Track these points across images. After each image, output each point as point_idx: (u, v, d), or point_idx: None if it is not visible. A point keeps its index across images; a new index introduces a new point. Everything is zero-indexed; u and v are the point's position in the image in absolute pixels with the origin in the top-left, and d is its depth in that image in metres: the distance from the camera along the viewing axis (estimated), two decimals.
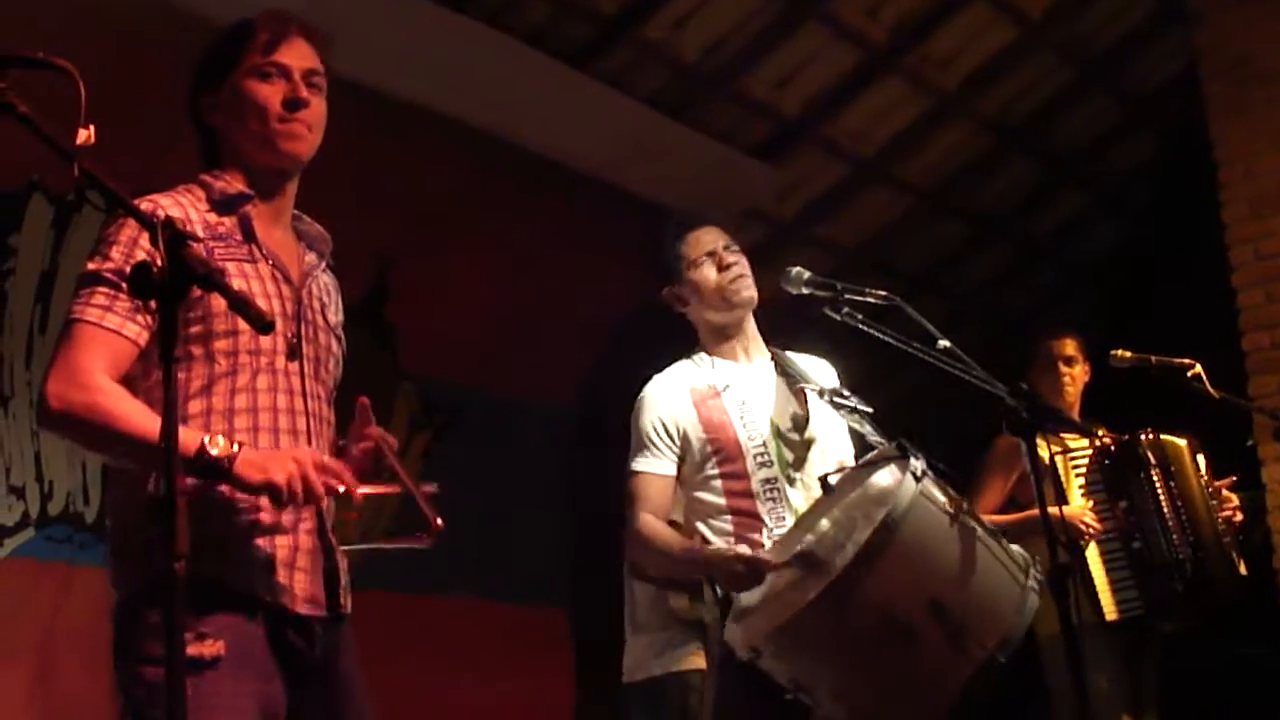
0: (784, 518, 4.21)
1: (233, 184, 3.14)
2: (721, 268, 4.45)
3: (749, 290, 4.44)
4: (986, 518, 5.42)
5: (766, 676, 3.76)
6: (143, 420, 2.75)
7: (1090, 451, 5.85)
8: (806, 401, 4.40)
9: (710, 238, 4.53)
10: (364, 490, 2.98)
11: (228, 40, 3.19)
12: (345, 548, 3.12)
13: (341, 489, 2.91)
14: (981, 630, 3.66)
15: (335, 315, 3.29)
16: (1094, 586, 5.65)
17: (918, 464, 3.75)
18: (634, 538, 4.30)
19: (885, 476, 3.96)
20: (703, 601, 5.61)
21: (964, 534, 3.75)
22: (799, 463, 4.31)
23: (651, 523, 4.27)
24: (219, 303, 2.90)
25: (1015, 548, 3.89)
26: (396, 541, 3.18)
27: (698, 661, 5.57)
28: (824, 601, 3.59)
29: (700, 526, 4.28)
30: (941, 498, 3.78)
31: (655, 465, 4.31)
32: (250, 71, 3.13)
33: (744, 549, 3.99)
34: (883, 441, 4.19)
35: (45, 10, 5.32)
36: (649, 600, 5.81)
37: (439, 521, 3.01)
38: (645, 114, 7.63)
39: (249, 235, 3.11)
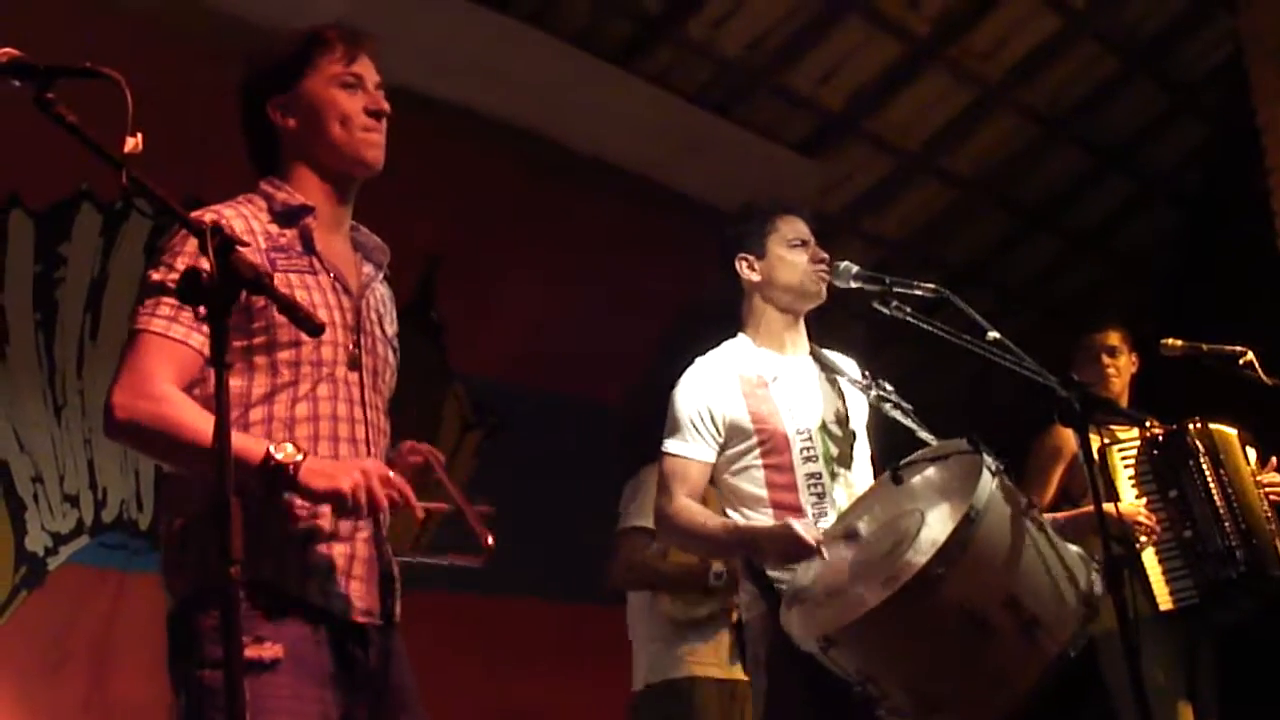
0: (826, 512, 4.17)
1: (293, 195, 3.15)
2: (814, 259, 4.42)
3: (824, 290, 4.41)
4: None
5: (826, 669, 3.75)
6: (207, 428, 2.75)
7: (1138, 443, 5.82)
8: (846, 399, 4.38)
9: (805, 228, 4.50)
10: (424, 506, 2.99)
11: (301, 46, 3.21)
12: (398, 558, 3.13)
13: (401, 504, 2.93)
14: (1054, 626, 3.65)
15: (391, 326, 3.31)
16: (1148, 577, 5.62)
17: (992, 460, 3.74)
18: (670, 519, 4.23)
19: (956, 470, 3.93)
20: (705, 597, 5.64)
21: (1032, 531, 3.75)
22: (843, 459, 4.28)
23: (688, 504, 4.21)
24: (281, 314, 2.92)
25: (1073, 546, 3.88)
26: (450, 558, 3.19)
27: (686, 669, 5.62)
28: (905, 596, 3.57)
29: (735, 515, 4.23)
30: (1013, 493, 3.77)
31: (694, 450, 4.25)
32: (333, 79, 3.17)
33: (794, 523, 3.97)
34: (931, 438, 4.18)
35: (91, 19, 5.35)
36: (641, 609, 5.86)
37: (490, 541, 3.03)
38: (689, 111, 7.64)
39: (309, 247, 3.13)
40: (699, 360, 4.40)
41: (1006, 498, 3.74)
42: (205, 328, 2.87)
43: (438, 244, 6.88)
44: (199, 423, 2.82)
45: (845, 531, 3.95)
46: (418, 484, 3.18)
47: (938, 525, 3.73)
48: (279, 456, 2.80)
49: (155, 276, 2.98)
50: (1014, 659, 3.64)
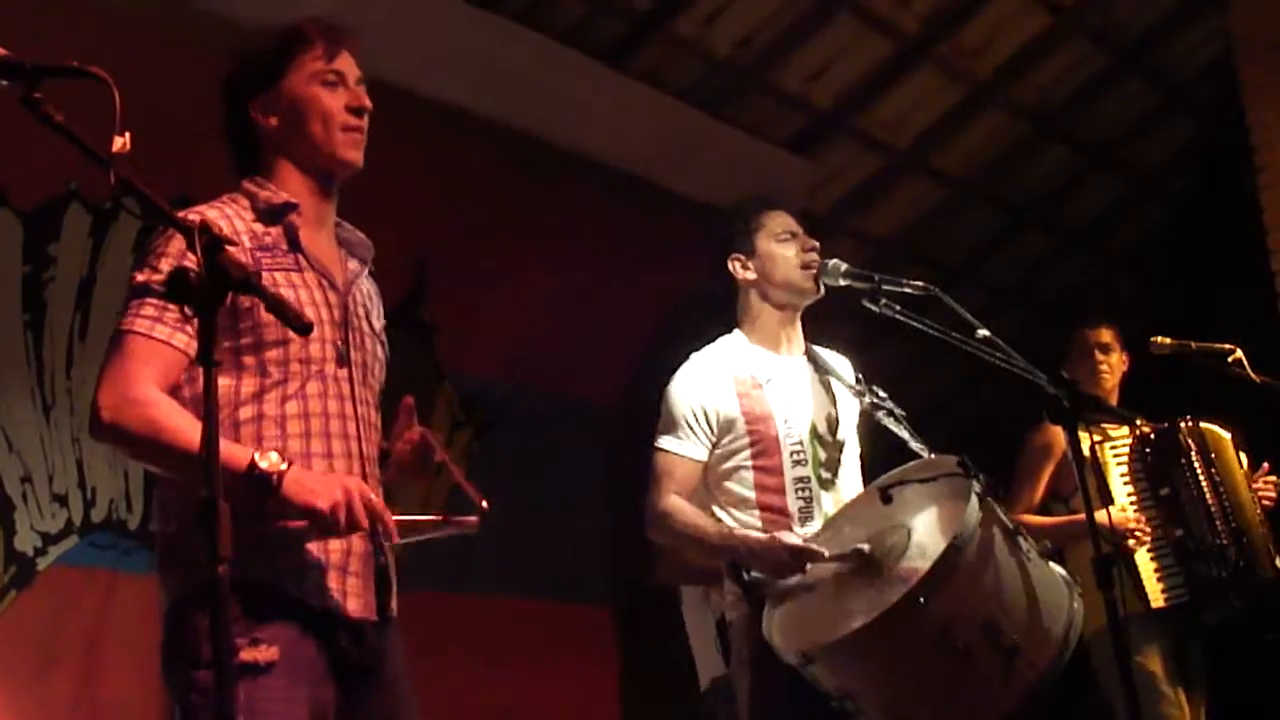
0: (813, 516, 4.18)
1: (277, 193, 3.15)
2: (805, 249, 4.40)
3: (819, 285, 4.38)
4: (1031, 518, 5.44)
5: (807, 681, 3.75)
6: (193, 434, 2.73)
7: (1130, 440, 5.82)
8: (838, 403, 4.37)
9: (792, 220, 4.49)
10: (400, 519, 3.00)
11: (279, 44, 3.21)
12: (399, 540, 3.12)
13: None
14: (1034, 653, 3.66)
15: (378, 321, 3.31)
16: (1139, 575, 5.63)
17: (980, 483, 3.74)
18: (660, 517, 4.21)
19: (944, 491, 3.92)
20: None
21: (1019, 556, 3.75)
22: (831, 465, 4.28)
23: (680, 503, 4.19)
24: (268, 314, 2.92)
25: (1058, 569, 3.88)
26: (445, 530, 3.20)
27: None
28: (888, 619, 3.59)
29: (722, 514, 4.23)
30: (1000, 518, 3.77)
31: (687, 449, 4.24)
32: (313, 77, 3.17)
33: (789, 536, 3.96)
34: (923, 448, 4.17)
35: (78, 18, 5.34)
36: (696, 604, 5.83)
37: (485, 504, 3.08)
38: (679, 109, 7.64)
39: (294, 244, 3.13)
40: (694, 356, 4.39)
41: (993, 523, 3.75)
42: (190, 328, 2.89)
43: (427, 243, 6.87)
44: (184, 427, 2.83)
45: (852, 554, 3.92)
46: (416, 463, 3.25)
47: (923, 547, 3.73)
48: (263, 465, 2.80)
49: (140, 277, 2.98)
50: (993, 684, 3.65)
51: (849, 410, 4.40)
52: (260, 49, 3.23)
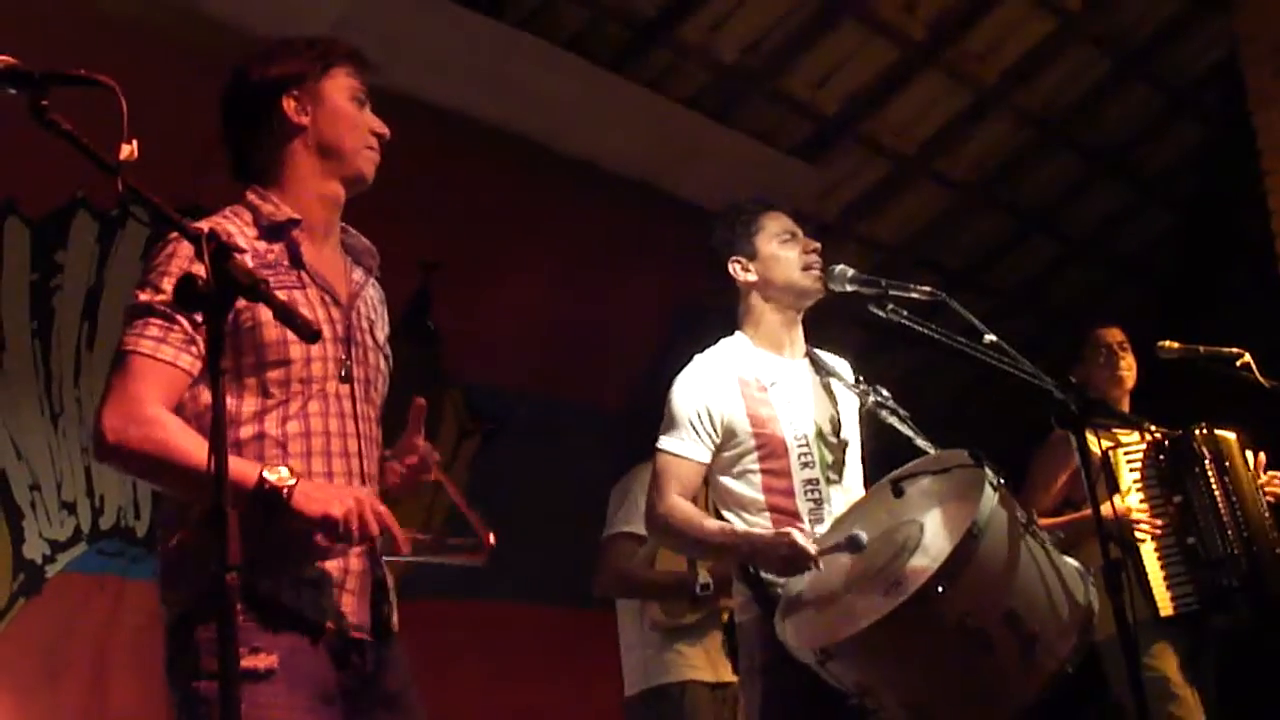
0: (823, 518, 4.15)
1: (279, 208, 3.14)
2: (806, 250, 4.39)
3: (821, 284, 4.36)
4: (1040, 520, 5.40)
5: (822, 679, 3.73)
6: (199, 452, 2.71)
7: (1143, 446, 5.80)
8: (840, 404, 4.36)
9: (791, 222, 4.46)
10: (409, 536, 3.01)
11: (323, 49, 3.25)
12: (399, 558, 3.12)
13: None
14: (1053, 642, 3.64)
15: (382, 332, 3.30)
16: (1149, 582, 5.60)
17: (993, 473, 3.72)
18: (661, 518, 4.19)
19: (957, 483, 3.91)
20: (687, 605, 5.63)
21: (1033, 545, 3.74)
22: (837, 465, 4.25)
23: (681, 503, 4.17)
24: (270, 333, 2.95)
25: (1071, 560, 3.86)
26: (450, 557, 3.21)
27: (677, 674, 5.62)
28: (906, 611, 3.55)
29: (732, 517, 4.20)
30: (1014, 508, 3.76)
31: (690, 450, 4.21)
32: (349, 91, 3.22)
33: (794, 533, 3.95)
34: (929, 445, 4.15)
35: (86, 27, 5.35)
36: (631, 615, 5.85)
37: (491, 540, 3.09)
38: (684, 116, 7.63)
39: (297, 261, 3.12)
40: (697, 358, 4.36)
41: (1008, 512, 3.71)
42: (195, 349, 2.90)
43: (434, 250, 6.87)
44: (189, 446, 2.83)
45: (847, 541, 3.91)
46: (412, 482, 3.26)
47: (938, 538, 3.70)
48: (272, 480, 2.80)
49: (143, 297, 2.97)
50: (1013, 675, 3.62)
51: (850, 410, 4.39)
52: (301, 49, 3.24)
